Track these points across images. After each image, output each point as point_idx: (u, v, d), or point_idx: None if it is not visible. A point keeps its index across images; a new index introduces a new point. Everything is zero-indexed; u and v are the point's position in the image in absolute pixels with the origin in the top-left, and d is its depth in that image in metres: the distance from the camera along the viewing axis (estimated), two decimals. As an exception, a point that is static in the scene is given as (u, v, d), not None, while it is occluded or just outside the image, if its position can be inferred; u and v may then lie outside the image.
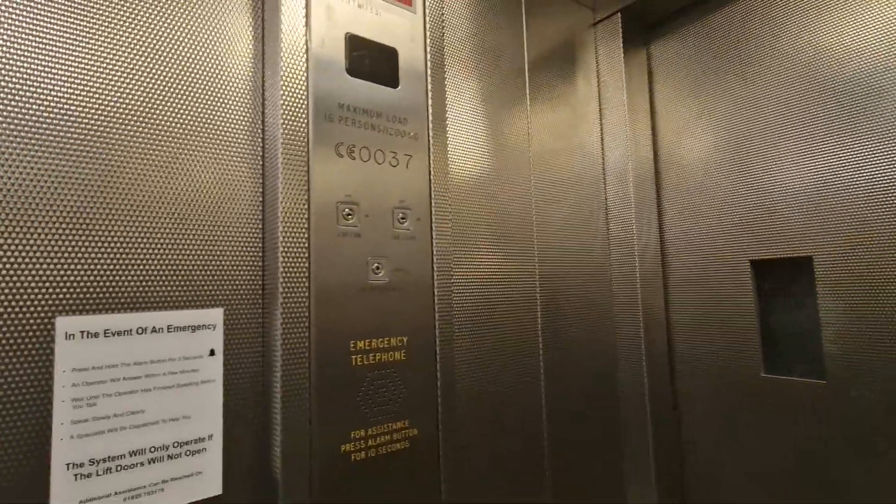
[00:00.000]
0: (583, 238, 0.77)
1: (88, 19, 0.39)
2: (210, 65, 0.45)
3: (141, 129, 0.41)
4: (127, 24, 0.41)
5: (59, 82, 0.38)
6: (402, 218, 0.51)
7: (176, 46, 0.43)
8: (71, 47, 0.38)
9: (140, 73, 0.41)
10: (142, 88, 0.41)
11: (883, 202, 0.59)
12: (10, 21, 0.36)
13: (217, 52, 0.46)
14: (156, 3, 0.43)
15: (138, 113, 0.41)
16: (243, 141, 0.46)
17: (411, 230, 0.52)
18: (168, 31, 0.43)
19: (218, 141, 0.45)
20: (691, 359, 0.79)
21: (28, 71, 0.37)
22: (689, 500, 0.79)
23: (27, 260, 0.35)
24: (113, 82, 0.40)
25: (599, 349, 0.78)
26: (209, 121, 0.44)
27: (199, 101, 0.44)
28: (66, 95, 0.38)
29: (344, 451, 0.45)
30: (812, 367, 0.67)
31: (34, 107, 0.37)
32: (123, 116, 0.40)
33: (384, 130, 0.51)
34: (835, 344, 0.63)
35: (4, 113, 0.35)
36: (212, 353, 0.42)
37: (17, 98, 0.36)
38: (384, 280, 0.49)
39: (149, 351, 0.39)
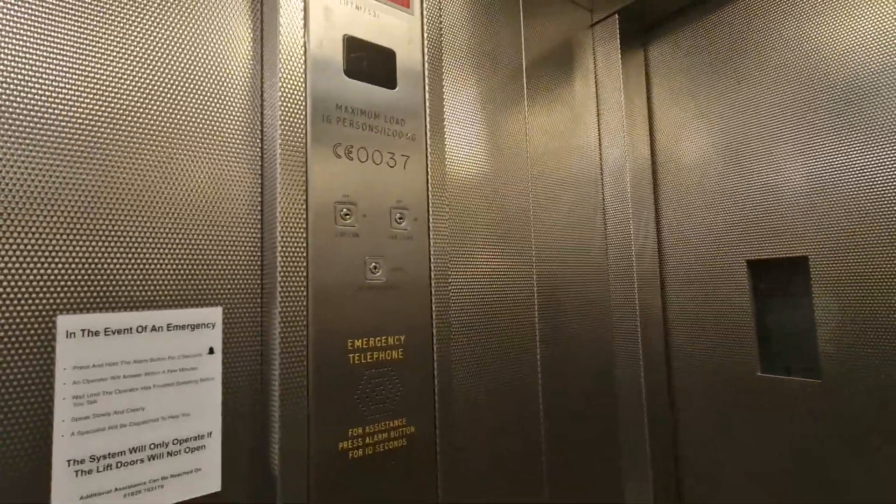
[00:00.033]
0: (580, 238, 0.78)
1: (91, 22, 0.40)
2: (209, 66, 0.46)
3: (141, 129, 0.42)
4: (128, 26, 0.42)
5: (60, 84, 0.38)
6: (400, 218, 0.52)
7: (176, 48, 0.44)
8: (72, 50, 0.39)
9: (141, 74, 0.42)
10: (142, 89, 0.42)
11: (878, 203, 0.60)
12: (14, 24, 0.37)
13: (216, 54, 0.46)
14: (156, 6, 0.43)
15: (139, 113, 0.42)
16: (242, 141, 0.47)
17: (409, 230, 0.52)
18: (168, 33, 0.44)
19: (217, 141, 0.45)
20: (688, 357, 0.79)
21: (30, 73, 0.37)
22: (686, 499, 0.79)
23: (29, 259, 0.36)
24: (114, 83, 0.41)
25: (597, 348, 0.78)
26: (208, 121, 0.45)
27: (199, 102, 0.45)
28: (66, 96, 0.38)
29: (342, 448, 0.45)
30: (807, 367, 0.68)
31: (36, 107, 0.37)
32: (124, 117, 0.41)
33: (382, 131, 0.51)
34: (830, 343, 0.63)
35: (7, 113, 0.36)
36: (211, 351, 0.43)
37: (19, 99, 0.36)
38: (382, 279, 0.50)
39: (149, 349, 0.40)
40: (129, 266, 0.40)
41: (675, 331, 0.81)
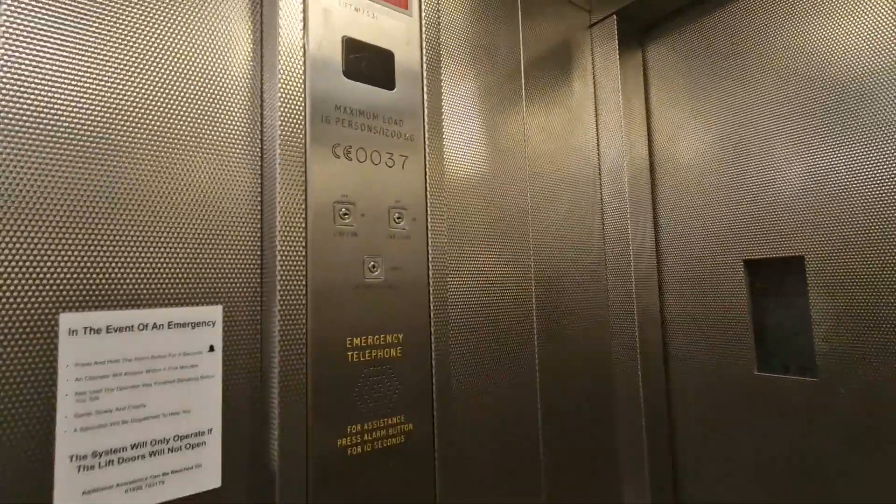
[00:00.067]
0: (578, 237, 0.78)
1: (96, 25, 0.40)
2: (210, 68, 0.46)
3: (143, 130, 0.42)
4: (131, 29, 0.42)
5: (63, 85, 0.39)
6: (398, 217, 0.52)
7: (177, 51, 0.44)
8: (77, 52, 0.40)
9: (143, 76, 0.42)
10: (145, 91, 0.42)
11: (873, 203, 0.60)
12: (21, 27, 0.37)
13: (217, 56, 0.47)
14: (158, 9, 0.44)
15: (141, 114, 0.42)
16: (242, 142, 0.47)
17: (407, 229, 0.53)
18: (170, 35, 0.44)
19: (218, 142, 0.46)
20: (685, 357, 0.80)
21: (34, 75, 0.38)
22: (683, 499, 0.79)
23: (32, 257, 0.36)
24: (117, 85, 0.41)
25: (594, 347, 0.79)
26: (209, 122, 0.46)
27: (200, 102, 0.45)
28: (69, 97, 0.39)
29: (340, 445, 0.46)
30: (804, 365, 0.68)
31: (39, 108, 0.38)
32: (127, 117, 0.41)
33: (380, 131, 0.52)
34: (826, 342, 0.64)
35: (11, 114, 0.36)
36: (211, 349, 0.43)
37: (23, 100, 0.37)
38: (380, 278, 0.50)
39: (150, 346, 0.40)
40: (131, 264, 0.40)
41: (672, 330, 0.81)
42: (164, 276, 0.42)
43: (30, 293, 0.36)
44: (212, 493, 0.42)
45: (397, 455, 0.49)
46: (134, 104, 0.42)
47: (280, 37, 0.46)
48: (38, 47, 0.38)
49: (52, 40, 0.39)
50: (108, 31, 0.41)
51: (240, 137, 0.47)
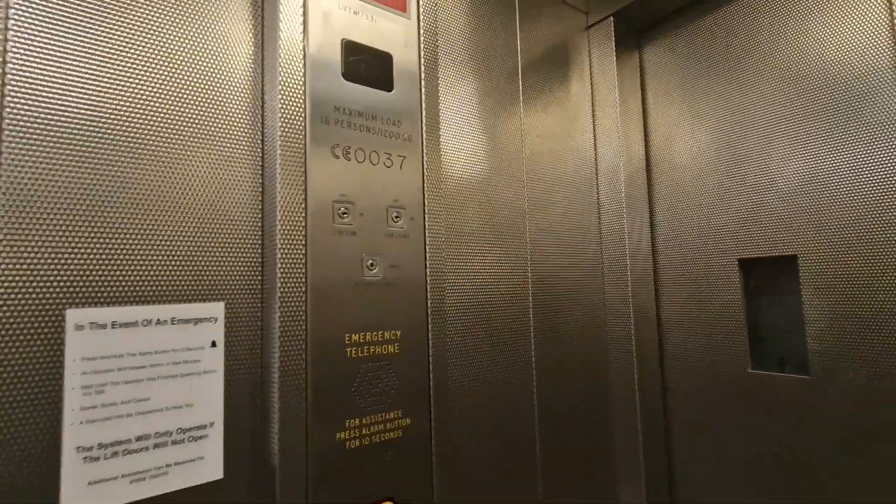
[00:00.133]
0: (575, 237, 0.79)
1: (101, 29, 0.42)
2: (212, 70, 0.47)
3: (148, 131, 0.43)
4: (135, 32, 0.43)
5: (69, 87, 0.40)
6: (396, 217, 0.53)
7: (180, 53, 0.45)
8: (82, 55, 0.41)
9: (146, 77, 0.44)
10: (148, 92, 0.43)
11: (865, 203, 0.61)
12: (25, 31, 0.38)
13: (219, 59, 0.48)
14: (162, 12, 0.45)
15: (145, 115, 0.43)
16: (243, 143, 0.48)
17: (405, 228, 0.54)
18: (173, 38, 0.45)
19: (219, 142, 0.47)
20: (681, 355, 0.81)
21: (42, 77, 0.39)
22: (679, 498, 0.80)
23: (40, 255, 0.38)
24: (122, 86, 0.42)
25: (591, 347, 0.80)
26: (211, 123, 0.47)
27: (202, 104, 0.46)
28: (74, 98, 0.40)
29: (339, 438, 0.47)
30: (797, 363, 0.69)
31: (45, 110, 0.39)
32: (132, 119, 0.42)
33: (379, 132, 0.53)
34: (818, 340, 0.65)
35: (18, 113, 0.38)
36: (213, 344, 0.44)
37: (29, 100, 0.38)
38: (378, 276, 0.51)
39: (154, 342, 0.41)
40: (136, 262, 0.42)
41: (668, 329, 0.82)
42: (168, 273, 0.43)
43: (37, 289, 0.37)
44: (213, 484, 0.43)
45: (395, 449, 0.50)
46: (138, 105, 0.43)
47: (280, 40, 0.47)
48: (44, 51, 0.39)
49: (58, 44, 0.40)
50: (114, 34, 0.42)
51: (241, 138, 0.48)
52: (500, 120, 0.71)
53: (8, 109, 0.37)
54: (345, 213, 0.50)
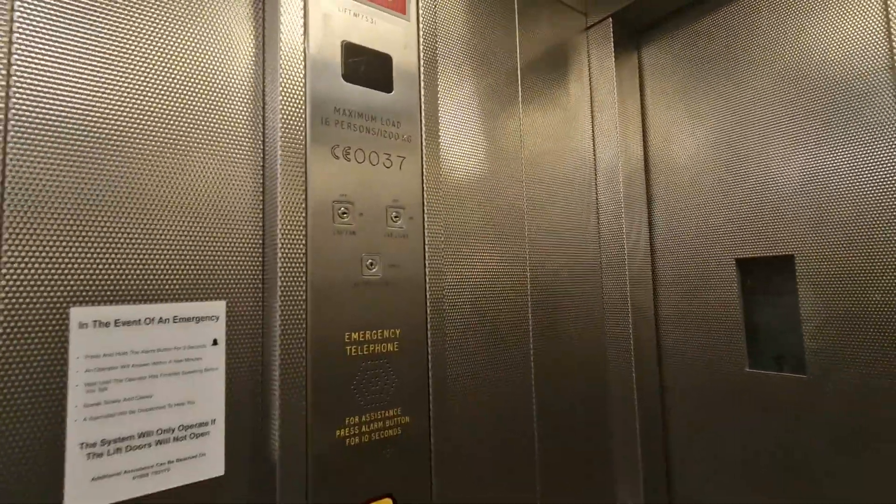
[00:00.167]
0: (574, 237, 0.80)
1: (105, 31, 0.42)
2: (214, 71, 0.48)
3: (150, 131, 0.44)
4: (138, 35, 0.44)
5: (72, 88, 0.41)
6: (396, 216, 0.54)
7: (182, 54, 0.46)
8: (86, 57, 0.41)
9: (149, 78, 0.44)
10: (150, 93, 0.44)
11: (862, 204, 0.62)
12: (32, 35, 0.39)
13: (220, 60, 0.48)
14: (164, 14, 0.45)
15: (147, 116, 0.44)
16: (245, 143, 0.49)
17: (404, 228, 0.54)
18: (175, 40, 0.46)
19: (221, 143, 0.47)
20: (679, 354, 0.81)
21: (45, 78, 0.39)
22: (677, 497, 0.81)
23: (44, 254, 0.38)
24: (125, 88, 0.43)
25: (589, 346, 0.80)
26: (213, 124, 0.47)
27: (204, 105, 0.47)
28: (78, 99, 0.41)
29: (339, 436, 0.48)
30: (793, 362, 0.69)
31: (50, 110, 0.39)
32: (135, 119, 0.43)
33: (378, 133, 0.53)
34: (814, 339, 0.65)
35: (23, 113, 0.38)
36: (215, 342, 0.45)
37: (34, 101, 0.39)
38: (378, 275, 0.52)
39: (156, 340, 0.42)
40: (138, 261, 0.42)
41: (666, 328, 0.83)
42: (170, 272, 0.43)
43: (42, 288, 0.38)
44: (215, 481, 0.44)
45: (394, 446, 0.51)
46: (140, 106, 0.44)
47: (281, 41, 0.48)
48: (49, 52, 0.40)
49: (63, 45, 0.40)
50: (118, 36, 0.43)
51: (242, 139, 0.49)
52: (499, 120, 0.71)
53: (13, 111, 0.38)
54: (345, 213, 0.50)
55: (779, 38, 0.70)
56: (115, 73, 0.42)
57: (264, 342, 0.47)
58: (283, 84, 0.48)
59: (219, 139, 0.47)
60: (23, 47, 0.38)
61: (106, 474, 0.39)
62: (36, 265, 0.38)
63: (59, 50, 0.40)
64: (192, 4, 0.47)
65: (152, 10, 0.45)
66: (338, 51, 0.51)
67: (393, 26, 0.56)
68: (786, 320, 0.70)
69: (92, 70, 0.41)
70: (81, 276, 0.39)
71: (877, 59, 0.61)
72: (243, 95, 0.49)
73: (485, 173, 0.68)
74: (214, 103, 0.47)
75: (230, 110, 0.48)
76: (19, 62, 0.38)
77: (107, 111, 0.42)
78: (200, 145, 0.46)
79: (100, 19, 0.42)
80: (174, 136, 0.45)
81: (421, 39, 0.58)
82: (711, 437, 0.76)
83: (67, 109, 0.40)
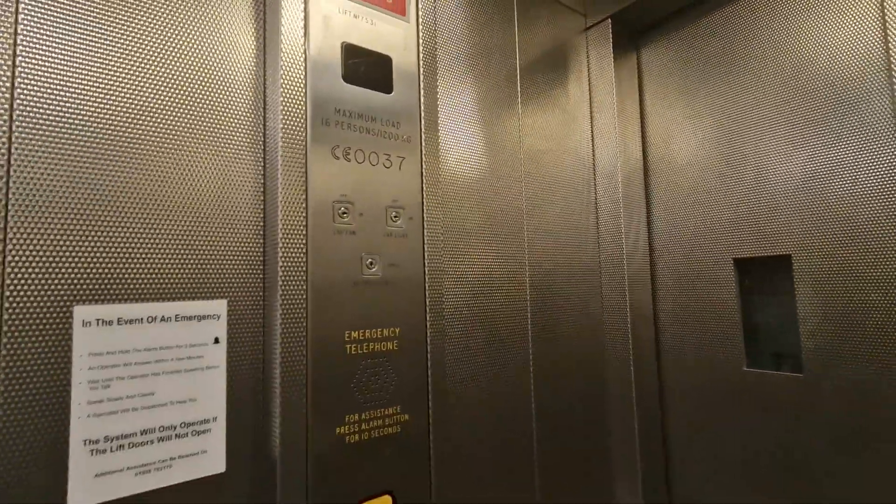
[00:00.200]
0: (573, 237, 0.80)
1: (109, 33, 0.43)
2: (216, 72, 0.48)
3: (152, 132, 0.44)
4: (141, 37, 0.44)
5: (76, 89, 0.41)
6: (395, 216, 0.54)
7: (184, 55, 0.47)
8: (90, 58, 0.42)
9: (152, 80, 0.45)
10: (153, 94, 0.45)
11: (858, 203, 0.62)
12: (37, 36, 0.39)
13: (222, 61, 0.49)
14: (167, 16, 0.46)
15: (149, 116, 0.44)
16: (245, 144, 0.49)
17: (403, 228, 0.55)
18: (178, 41, 0.46)
19: (222, 143, 0.48)
20: (677, 354, 0.81)
21: (49, 79, 0.40)
22: (675, 497, 0.81)
23: (48, 253, 0.39)
24: (127, 89, 0.43)
25: (588, 346, 0.81)
26: (214, 124, 0.48)
27: (206, 105, 0.47)
28: (83, 99, 0.41)
29: (339, 433, 0.48)
30: (790, 361, 0.70)
31: (53, 109, 0.40)
32: (137, 120, 0.44)
33: (378, 134, 0.54)
34: (811, 339, 0.66)
35: (26, 114, 0.39)
36: (216, 341, 0.45)
37: (38, 101, 0.39)
38: (377, 275, 0.52)
39: (158, 338, 0.42)
40: (141, 260, 0.43)
41: (664, 328, 0.83)
42: (172, 271, 0.44)
43: (46, 287, 0.38)
44: (216, 477, 0.45)
45: (394, 443, 0.52)
46: (143, 107, 0.44)
47: (282, 43, 0.49)
48: (54, 53, 0.40)
49: (67, 46, 0.41)
50: (121, 38, 0.43)
51: (243, 139, 0.49)
52: (499, 121, 0.71)
53: (18, 112, 0.38)
54: (345, 213, 0.51)
55: (777, 39, 0.70)
56: (118, 74, 0.43)
57: (265, 340, 0.48)
58: (283, 85, 0.48)
59: (220, 139, 0.48)
60: (27, 47, 0.39)
61: (109, 470, 0.40)
62: (40, 264, 0.38)
63: (64, 50, 0.41)
64: (194, 7, 0.47)
65: (155, 13, 0.45)
66: (338, 52, 0.52)
67: (393, 28, 0.56)
68: (783, 320, 0.71)
69: (95, 70, 0.42)
70: (85, 275, 0.40)
71: (873, 61, 0.61)
72: (244, 96, 0.50)
73: (484, 173, 0.69)
74: (216, 104, 0.48)
75: (232, 111, 0.49)
76: (24, 63, 0.39)
77: (110, 112, 0.42)
78: (202, 145, 0.47)
79: (103, 20, 0.43)
80: (176, 137, 0.45)
81: (420, 41, 0.58)
82: (710, 436, 0.77)
83: (71, 109, 0.41)
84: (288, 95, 0.48)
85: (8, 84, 0.38)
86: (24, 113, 0.38)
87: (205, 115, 0.47)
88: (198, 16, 0.48)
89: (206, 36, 0.48)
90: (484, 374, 0.65)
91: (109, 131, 0.42)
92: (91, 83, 0.42)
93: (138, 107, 0.44)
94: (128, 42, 0.44)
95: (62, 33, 0.41)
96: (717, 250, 0.76)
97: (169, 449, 0.42)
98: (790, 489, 0.67)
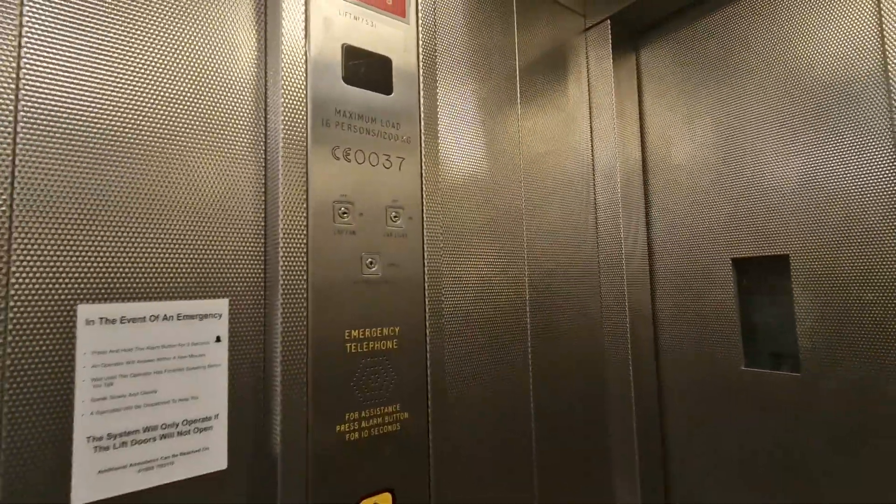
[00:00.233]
0: (572, 237, 0.81)
1: (113, 34, 0.43)
2: (218, 73, 0.49)
3: (154, 132, 0.45)
4: (143, 37, 0.45)
5: (81, 89, 0.42)
6: (395, 216, 0.55)
7: (185, 57, 0.47)
8: (94, 59, 0.42)
9: (155, 81, 0.45)
10: (156, 95, 0.45)
11: (855, 205, 0.62)
12: (41, 38, 0.40)
13: (224, 62, 0.49)
14: (169, 18, 0.46)
15: (152, 117, 0.45)
16: (247, 144, 0.50)
17: (403, 228, 0.55)
18: (180, 42, 0.47)
19: (224, 144, 0.48)
20: (676, 353, 0.82)
21: (54, 80, 0.40)
22: (674, 497, 0.82)
23: (52, 252, 0.39)
24: (131, 90, 0.44)
25: (587, 345, 0.81)
26: (216, 125, 0.48)
27: (208, 106, 0.48)
28: (87, 100, 0.42)
29: (339, 431, 0.49)
30: (788, 361, 0.70)
31: (57, 110, 0.40)
32: (140, 121, 0.44)
33: (378, 134, 0.54)
34: (808, 338, 0.66)
35: (31, 115, 0.39)
36: (218, 339, 0.46)
37: (43, 102, 0.40)
38: (377, 274, 0.53)
39: (161, 337, 0.43)
40: (144, 260, 0.43)
41: (663, 327, 0.84)
42: (175, 270, 0.45)
43: (50, 286, 0.39)
44: (218, 474, 0.45)
45: (393, 441, 0.52)
46: (146, 108, 0.45)
47: (283, 44, 0.49)
48: (58, 54, 0.41)
49: (71, 48, 0.41)
50: (125, 40, 0.44)
51: (244, 140, 0.50)
52: (498, 122, 0.72)
53: (23, 113, 0.39)
54: (345, 213, 0.51)
55: (774, 41, 0.71)
56: (121, 75, 0.43)
57: (266, 339, 0.48)
58: (284, 86, 0.49)
59: (222, 140, 0.48)
60: (32, 49, 0.39)
61: (112, 467, 0.40)
62: (44, 263, 0.39)
63: (68, 52, 0.41)
64: (196, 10, 0.48)
65: (158, 15, 0.46)
66: (338, 53, 0.52)
67: (393, 29, 0.57)
68: (781, 319, 0.71)
69: (99, 72, 0.42)
70: (88, 275, 0.40)
71: (870, 63, 0.61)
72: (246, 98, 0.50)
73: (483, 174, 0.69)
74: (218, 105, 0.48)
75: (233, 112, 0.49)
76: (29, 65, 0.39)
77: (113, 113, 0.43)
78: (204, 146, 0.47)
79: (107, 23, 0.43)
80: (179, 137, 0.46)
81: (420, 42, 0.59)
82: (708, 436, 0.77)
83: (75, 111, 0.41)
84: (289, 97, 0.49)
85: (13, 87, 0.38)
86: (29, 113, 0.39)
87: (207, 116, 0.48)
88: (200, 19, 0.48)
89: (209, 38, 0.48)
90: (483, 373, 0.66)
91: (113, 133, 0.43)
92: (95, 85, 0.42)
93: (141, 107, 0.44)
94: (131, 44, 0.44)
95: (67, 34, 0.41)
96: (715, 250, 0.77)
97: (171, 446, 0.43)
98: (788, 488, 0.68)
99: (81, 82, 0.42)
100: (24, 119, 0.39)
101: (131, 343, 0.42)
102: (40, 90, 0.40)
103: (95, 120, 0.42)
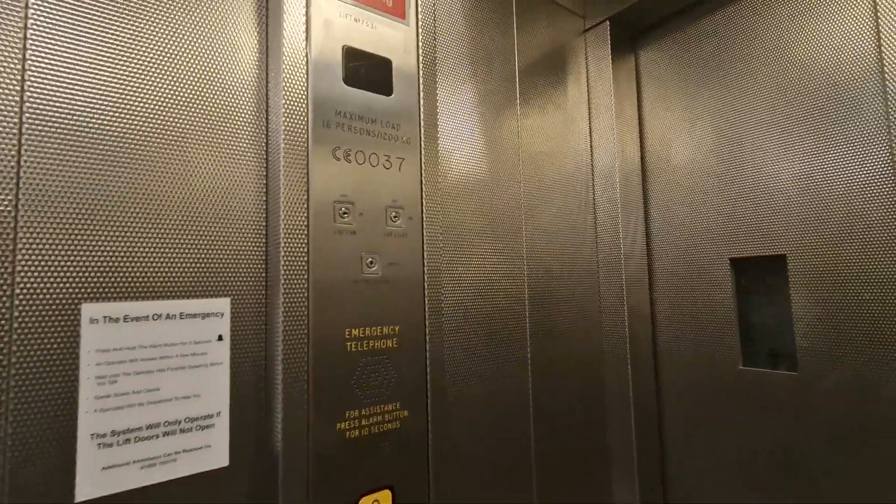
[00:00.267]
0: (571, 237, 0.81)
1: (115, 35, 0.44)
2: (220, 75, 0.49)
3: (157, 133, 0.45)
4: (147, 39, 0.45)
5: (85, 90, 0.42)
6: (395, 216, 0.55)
7: (187, 59, 0.48)
8: (99, 60, 0.43)
9: (157, 82, 0.46)
10: (159, 96, 0.46)
11: (852, 205, 0.63)
12: (46, 39, 0.40)
13: (226, 64, 0.50)
14: (172, 20, 0.47)
15: (155, 118, 0.45)
16: (248, 145, 0.50)
17: (403, 228, 0.56)
18: (182, 44, 0.47)
19: (225, 145, 0.49)
20: (674, 353, 0.82)
21: (58, 81, 0.41)
22: (672, 497, 0.82)
23: (56, 252, 0.40)
24: (134, 92, 0.44)
25: (586, 345, 0.81)
26: (218, 126, 0.49)
27: (210, 107, 0.48)
28: (91, 101, 0.42)
29: (339, 428, 0.49)
30: (785, 360, 0.71)
31: (61, 111, 0.41)
32: (143, 122, 0.45)
33: (378, 135, 0.55)
34: (805, 338, 0.67)
35: (36, 115, 0.40)
36: (220, 338, 0.46)
37: (47, 103, 0.40)
38: (377, 274, 0.53)
39: (163, 335, 0.44)
40: (147, 259, 0.44)
41: (661, 327, 0.84)
42: (177, 270, 0.45)
43: (54, 285, 0.39)
44: (220, 471, 0.46)
45: (393, 439, 0.53)
46: (148, 109, 0.45)
47: (284, 46, 0.50)
48: (62, 55, 0.41)
49: (76, 49, 0.42)
50: (128, 41, 0.44)
51: (246, 140, 0.50)
52: (498, 122, 0.72)
53: (28, 113, 0.39)
54: (345, 213, 0.52)
55: (773, 42, 0.71)
56: (125, 77, 0.44)
57: (267, 338, 0.49)
58: (285, 88, 0.49)
59: (224, 141, 0.49)
60: (37, 50, 0.40)
61: (116, 464, 0.41)
62: (49, 263, 0.39)
63: (72, 53, 0.42)
64: (198, 12, 0.48)
65: (161, 17, 0.46)
66: (339, 55, 0.53)
67: (393, 31, 0.57)
68: (778, 319, 0.72)
69: (103, 73, 0.43)
70: (92, 274, 0.41)
71: (867, 65, 0.62)
72: (247, 99, 0.51)
73: (483, 174, 0.70)
74: (220, 106, 0.49)
75: (235, 113, 0.50)
76: (34, 65, 0.40)
77: (117, 114, 0.43)
78: (206, 147, 0.48)
79: (111, 25, 0.44)
80: (181, 138, 0.46)
81: (420, 43, 0.59)
82: (706, 435, 0.77)
83: (79, 112, 0.42)
84: (290, 98, 0.49)
85: (18, 88, 0.39)
86: (34, 113, 0.40)
87: (209, 116, 0.48)
88: (202, 21, 0.49)
89: (211, 40, 0.49)
90: (482, 372, 0.66)
91: (115, 133, 0.43)
92: (99, 85, 0.43)
93: (144, 108, 0.45)
94: (135, 46, 0.45)
95: (72, 35, 0.42)
96: (713, 250, 0.77)
97: (174, 443, 0.43)
98: (786, 487, 0.68)
99: (86, 83, 0.42)
100: (30, 119, 0.39)
101: (134, 341, 0.42)
102: (45, 90, 0.40)
103: (99, 121, 0.42)
